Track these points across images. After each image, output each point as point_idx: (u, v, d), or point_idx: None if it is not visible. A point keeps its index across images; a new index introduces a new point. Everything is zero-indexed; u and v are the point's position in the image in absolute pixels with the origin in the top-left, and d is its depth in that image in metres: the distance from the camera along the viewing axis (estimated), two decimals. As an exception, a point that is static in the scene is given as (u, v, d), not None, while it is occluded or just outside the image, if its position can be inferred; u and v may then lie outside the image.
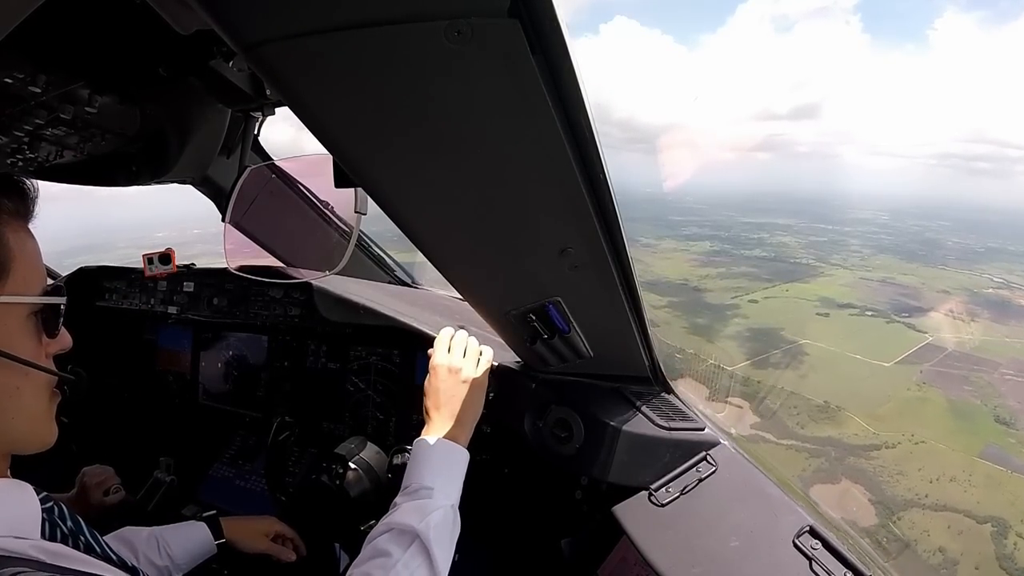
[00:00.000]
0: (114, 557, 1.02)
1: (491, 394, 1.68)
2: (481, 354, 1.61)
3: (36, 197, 0.97)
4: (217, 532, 1.74)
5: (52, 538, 0.92)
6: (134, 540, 1.60)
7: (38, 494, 0.95)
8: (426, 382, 1.55)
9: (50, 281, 0.97)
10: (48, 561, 0.84)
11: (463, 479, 1.43)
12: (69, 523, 0.97)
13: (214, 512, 1.80)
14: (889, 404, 41.13)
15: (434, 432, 1.47)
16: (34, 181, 0.97)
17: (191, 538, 1.69)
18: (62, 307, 0.99)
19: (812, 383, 43.08)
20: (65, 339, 1.02)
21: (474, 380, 1.55)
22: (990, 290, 69.39)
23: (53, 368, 0.97)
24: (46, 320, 0.95)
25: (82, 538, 0.98)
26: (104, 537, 1.45)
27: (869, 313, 60.18)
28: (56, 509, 0.96)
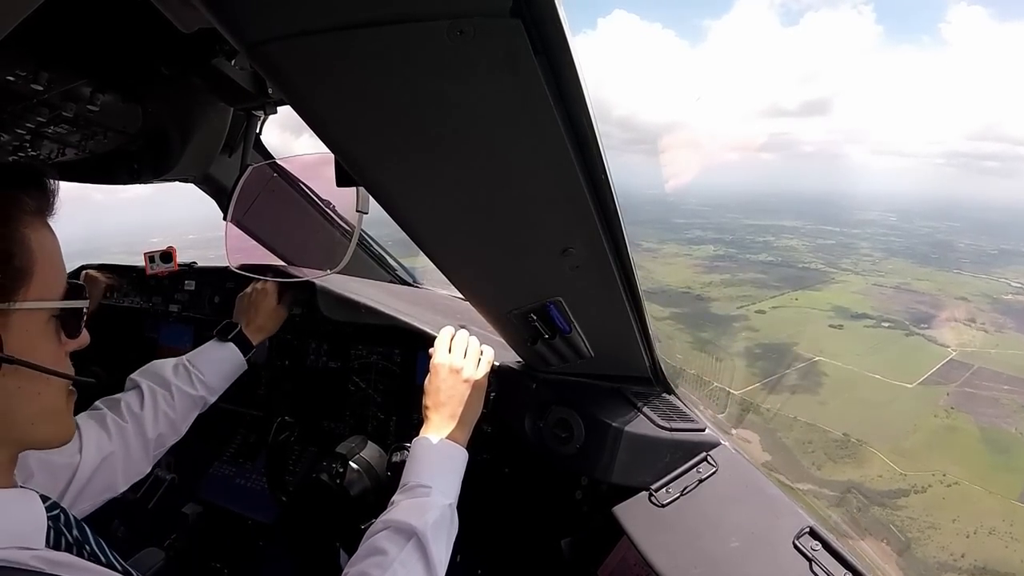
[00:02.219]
0: (118, 566, 1.02)
1: (492, 394, 1.68)
2: (482, 354, 1.60)
3: (57, 191, 0.95)
4: (244, 346, 1.82)
5: (56, 546, 0.91)
6: (164, 373, 1.65)
7: (44, 501, 0.94)
8: (426, 382, 1.55)
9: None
10: (49, 571, 0.83)
11: (461, 479, 1.43)
12: (75, 531, 0.97)
13: (235, 324, 1.86)
14: (916, 435, 37.22)
15: (433, 432, 1.47)
16: (54, 174, 0.95)
17: (222, 359, 1.77)
18: (84, 310, 0.98)
19: (829, 411, 39.09)
20: (83, 337, 1.01)
21: (474, 380, 1.54)
22: (1010, 296, 66.60)
23: (71, 371, 0.97)
24: (67, 322, 0.94)
25: (87, 547, 0.97)
26: (133, 375, 1.55)
27: (886, 324, 56.69)
28: (62, 517, 0.96)
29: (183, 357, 1.71)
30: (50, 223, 0.95)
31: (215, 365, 1.74)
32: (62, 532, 0.94)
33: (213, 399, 1.70)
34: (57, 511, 0.96)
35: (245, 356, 1.82)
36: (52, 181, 0.94)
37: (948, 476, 32.82)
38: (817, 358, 47.54)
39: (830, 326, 57.56)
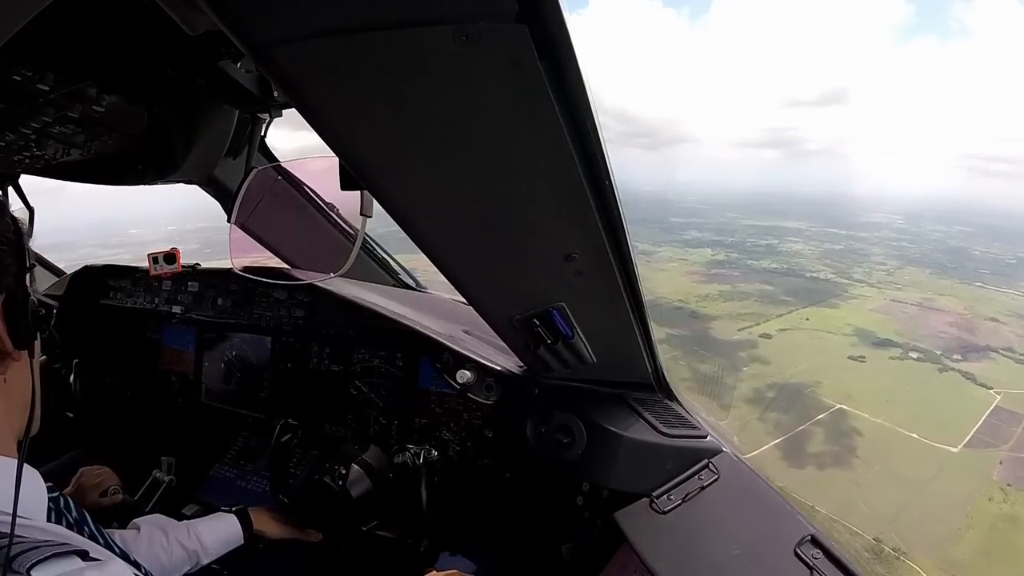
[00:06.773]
0: (116, 549, 1.02)
1: (494, 399, 1.68)
2: None
3: None
4: (246, 525, 1.78)
5: (57, 523, 0.91)
6: (163, 524, 1.65)
7: (45, 483, 0.94)
8: None
9: None
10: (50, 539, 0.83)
11: None
12: (74, 514, 0.97)
13: (243, 506, 1.83)
14: (969, 535, 28.51)
15: None
16: None
17: (221, 526, 1.75)
18: None
19: (859, 495, 30.61)
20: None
21: None
22: (1044, 315, 58.11)
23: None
24: None
25: (87, 528, 0.98)
26: (136, 520, 1.56)
27: (914, 356, 48.19)
28: (62, 500, 0.96)
29: (189, 521, 1.72)
30: None
31: (216, 530, 1.73)
32: (62, 513, 0.94)
33: (206, 561, 1.68)
34: (57, 494, 0.96)
35: (245, 535, 1.80)
36: None
37: (1016, 609, 24.56)
38: (839, 406, 39.08)
39: (850, 358, 48.90)
